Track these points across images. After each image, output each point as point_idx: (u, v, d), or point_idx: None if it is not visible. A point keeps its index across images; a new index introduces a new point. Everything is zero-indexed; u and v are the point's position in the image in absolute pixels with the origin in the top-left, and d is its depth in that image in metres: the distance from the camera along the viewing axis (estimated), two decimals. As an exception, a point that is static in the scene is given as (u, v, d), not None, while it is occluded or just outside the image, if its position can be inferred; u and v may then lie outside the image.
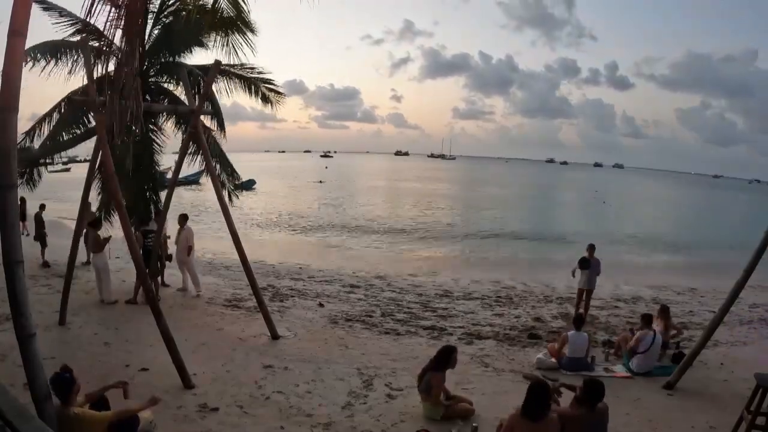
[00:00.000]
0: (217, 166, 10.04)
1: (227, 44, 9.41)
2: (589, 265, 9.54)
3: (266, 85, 10.65)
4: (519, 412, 3.83)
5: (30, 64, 8.59)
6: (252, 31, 9.48)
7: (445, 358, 5.37)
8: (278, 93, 10.75)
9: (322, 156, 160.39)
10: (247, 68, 10.52)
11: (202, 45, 10.04)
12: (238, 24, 9.06)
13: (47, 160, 10.15)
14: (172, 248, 10.57)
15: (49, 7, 9.00)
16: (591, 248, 9.83)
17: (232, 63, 10.14)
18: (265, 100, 10.69)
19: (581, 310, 9.43)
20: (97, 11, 3.47)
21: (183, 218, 10.04)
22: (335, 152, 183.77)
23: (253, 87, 10.57)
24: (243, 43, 9.37)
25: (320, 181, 55.29)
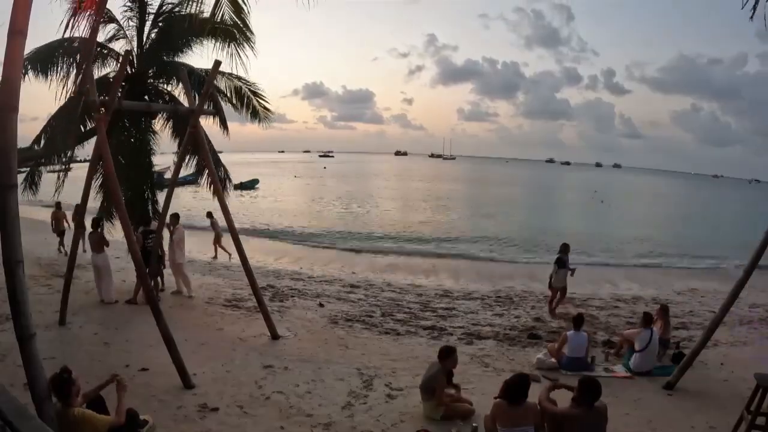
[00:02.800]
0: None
1: (225, 51, 9.37)
2: (565, 264, 10.03)
3: (257, 99, 10.56)
4: (501, 399, 4.25)
5: (27, 77, 8.54)
6: (248, 39, 9.43)
7: (441, 356, 5.38)
8: (267, 110, 10.62)
9: (321, 156, 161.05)
10: (238, 79, 10.45)
11: (190, 47, 10.06)
12: (236, 33, 8.99)
13: (48, 161, 10.13)
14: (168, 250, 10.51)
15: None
16: (566, 247, 10.35)
17: (228, 72, 10.10)
18: (254, 115, 10.57)
19: (581, 311, 9.47)
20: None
21: (175, 218, 9.85)
22: (332, 153, 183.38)
23: (245, 100, 10.46)
24: (239, 54, 9.31)
25: (295, 176, 61.29)
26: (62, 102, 8.84)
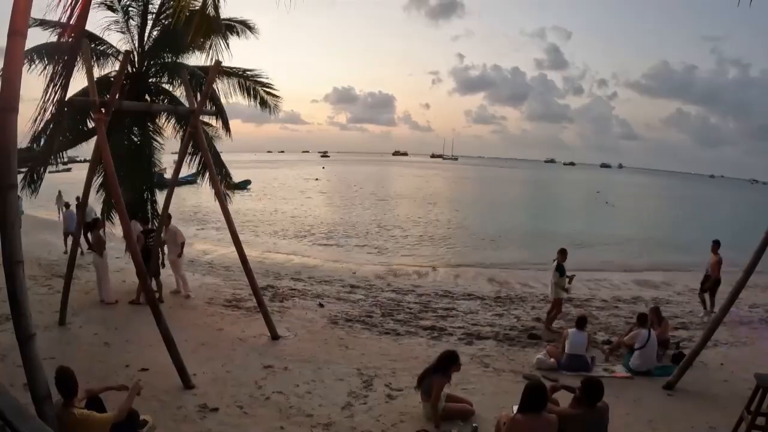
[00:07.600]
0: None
1: (215, 47, 9.40)
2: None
3: (264, 89, 10.61)
4: (516, 413, 3.96)
5: (28, 66, 8.55)
6: (250, 29, 9.46)
7: (448, 363, 5.33)
8: (275, 96, 10.71)
9: (321, 156, 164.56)
10: (243, 72, 10.47)
11: (197, 48, 10.06)
12: (233, 26, 9.02)
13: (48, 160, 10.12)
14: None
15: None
16: (563, 252, 9.03)
17: (231, 66, 10.12)
18: (264, 104, 10.65)
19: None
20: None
21: (167, 218, 9.83)
22: (327, 153, 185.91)
23: (251, 92, 10.53)
24: (226, 47, 9.34)
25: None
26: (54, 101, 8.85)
